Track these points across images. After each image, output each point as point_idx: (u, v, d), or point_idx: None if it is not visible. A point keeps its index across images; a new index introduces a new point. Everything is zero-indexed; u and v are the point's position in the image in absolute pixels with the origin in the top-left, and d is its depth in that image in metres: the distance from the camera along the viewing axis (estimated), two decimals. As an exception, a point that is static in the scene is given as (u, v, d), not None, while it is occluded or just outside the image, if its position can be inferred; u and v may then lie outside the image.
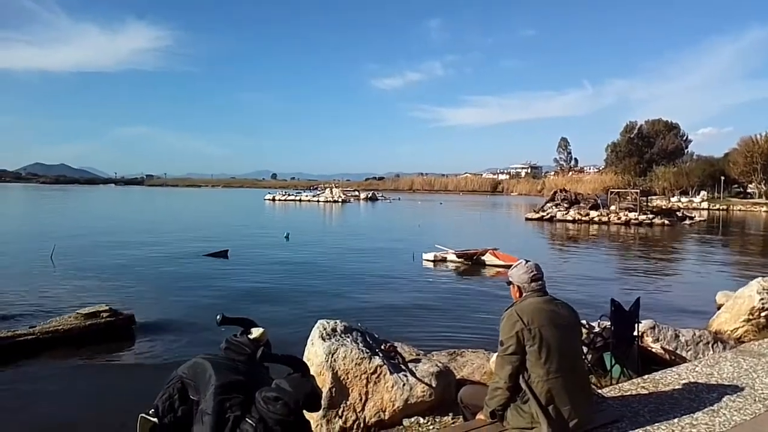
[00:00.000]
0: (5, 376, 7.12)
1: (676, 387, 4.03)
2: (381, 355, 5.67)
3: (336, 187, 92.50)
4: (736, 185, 79.37)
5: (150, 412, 2.10)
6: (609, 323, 5.61)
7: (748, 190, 77.16)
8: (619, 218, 39.46)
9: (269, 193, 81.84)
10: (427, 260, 18.15)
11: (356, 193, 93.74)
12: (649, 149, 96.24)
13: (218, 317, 2.29)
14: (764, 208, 58.59)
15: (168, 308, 10.84)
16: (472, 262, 17.97)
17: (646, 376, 4.38)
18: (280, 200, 72.70)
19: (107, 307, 9.11)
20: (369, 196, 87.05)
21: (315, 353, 5.72)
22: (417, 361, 5.98)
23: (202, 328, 9.20)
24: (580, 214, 41.34)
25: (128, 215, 42.99)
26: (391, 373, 5.41)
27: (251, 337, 2.27)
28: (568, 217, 41.29)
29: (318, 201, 71.83)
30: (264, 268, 16.27)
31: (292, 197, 76.68)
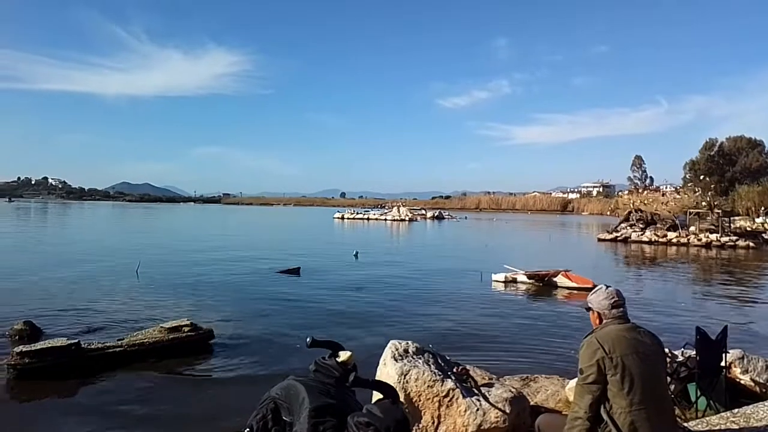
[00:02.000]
0: (94, 387, 7.54)
1: (770, 423, 3.82)
2: (453, 378, 5.65)
3: (403, 205, 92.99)
4: (826, 206, 73.19)
5: (245, 431, 2.16)
6: (694, 352, 5.37)
7: (839, 211, 70.98)
8: (699, 240, 37.46)
9: (338, 211, 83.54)
10: (497, 281, 17.89)
11: (423, 211, 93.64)
12: (730, 167, 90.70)
13: (308, 340, 2.33)
14: None
15: (244, 324, 11.22)
16: (543, 284, 17.54)
17: (735, 410, 4.17)
18: (348, 218, 73.87)
19: (188, 322, 9.48)
20: (435, 215, 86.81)
21: (387, 374, 5.76)
22: (490, 385, 5.92)
23: (276, 345, 9.51)
24: (657, 235, 39.54)
25: (206, 232, 44.98)
26: (464, 397, 5.38)
27: (339, 360, 2.30)
28: (644, 238, 39.61)
29: (385, 219, 72.42)
30: (334, 286, 16.59)
31: (360, 215, 77.74)
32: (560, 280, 17.51)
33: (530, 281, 17.64)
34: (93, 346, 8.45)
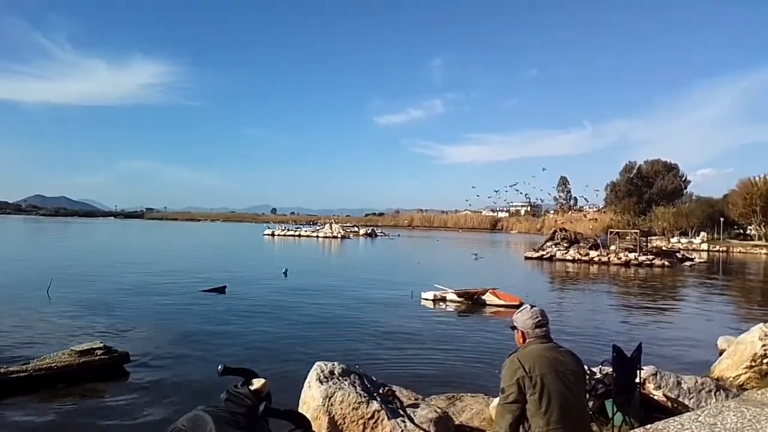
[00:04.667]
0: (-5, 415, 6.94)
1: (680, 438, 3.94)
2: (379, 399, 5.58)
3: (335, 222, 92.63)
4: (735, 227, 79.37)
5: None
6: (611, 369, 5.55)
7: (748, 232, 77.20)
8: (618, 258, 39.34)
9: (268, 227, 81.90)
10: (426, 299, 18.01)
11: (355, 228, 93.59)
12: (648, 189, 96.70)
13: (219, 368, 2.25)
14: (764, 251, 58.41)
15: (162, 346, 10.70)
16: (472, 302, 17.83)
17: (648, 426, 4.27)
18: (279, 235, 72.60)
19: (102, 344, 8.97)
20: (368, 232, 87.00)
21: (312, 396, 5.62)
22: (415, 405, 5.89)
23: (195, 369, 9.09)
24: (580, 254, 41.24)
25: (126, 249, 42.93)
26: (389, 419, 5.31)
27: (252, 388, 2.17)
28: (568, 257, 41.18)
29: (317, 236, 71.78)
30: (261, 306, 16.14)
31: (291, 232, 76.59)
32: (488, 298, 17.87)
33: (459, 299, 17.87)
34: (-7, 371, 7.78)
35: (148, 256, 34.79)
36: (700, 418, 4.53)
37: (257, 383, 2.22)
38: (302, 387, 5.79)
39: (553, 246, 44.81)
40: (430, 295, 18.14)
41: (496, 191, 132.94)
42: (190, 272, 24.40)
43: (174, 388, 8.25)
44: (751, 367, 8.09)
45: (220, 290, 18.36)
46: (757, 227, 73.17)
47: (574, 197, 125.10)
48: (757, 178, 73.44)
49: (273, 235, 72.35)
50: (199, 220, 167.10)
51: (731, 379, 8.18)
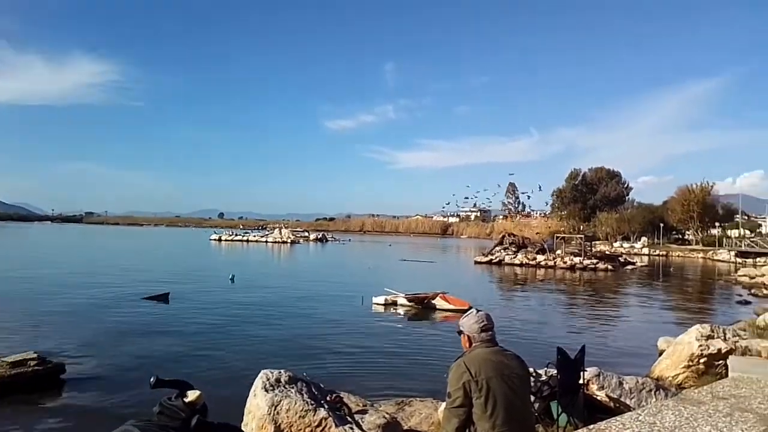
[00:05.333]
0: None
1: (621, 437, 4.02)
2: (326, 406, 5.50)
3: (285, 227, 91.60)
4: (674, 232, 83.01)
5: None
6: (556, 371, 5.64)
7: (686, 237, 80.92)
8: (564, 263, 40.46)
9: (215, 232, 79.97)
10: (377, 304, 17.99)
11: (306, 233, 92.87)
12: (592, 196, 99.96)
13: (152, 380, 2.17)
14: (701, 255, 61.35)
15: (100, 357, 10.23)
16: (423, 306, 17.91)
17: (591, 426, 4.36)
18: (226, 240, 71.06)
19: (35, 355, 8.57)
20: (319, 237, 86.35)
21: (257, 405, 5.48)
22: (364, 412, 5.83)
23: (135, 380, 8.70)
24: (528, 258, 42.22)
25: (63, 254, 41.02)
26: (337, 426, 5.24)
27: (187, 400, 2.15)
28: (516, 261, 42.07)
29: (266, 242, 70.81)
30: (206, 313, 15.69)
31: (239, 237, 75.17)
32: (438, 302, 18.00)
33: (410, 304, 17.93)
34: None
35: (87, 262, 33.34)
36: (640, 418, 4.65)
37: (192, 395, 2.19)
38: (248, 396, 5.62)
39: (502, 250, 45.70)
40: (381, 300, 18.13)
41: (468, 197, 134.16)
42: (131, 279, 23.54)
43: (109, 401, 7.88)
44: (688, 366, 8.42)
45: (163, 298, 17.76)
46: (695, 232, 76.93)
47: (522, 203, 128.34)
48: (695, 186, 77.33)
49: (220, 240, 70.81)
50: (141, 225, 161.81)
51: (670, 378, 8.49)
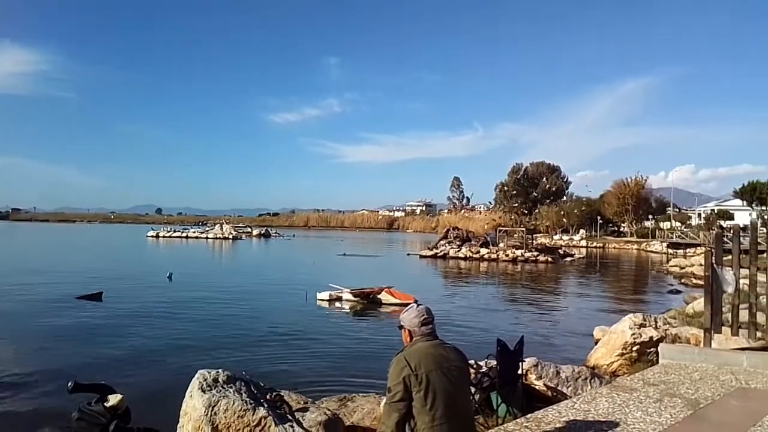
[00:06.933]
0: None
1: (557, 425, 4.12)
2: (266, 405, 5.39)
3: (226, 223, 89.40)
4: (611, 224, 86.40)
5: None
6: (495, 363, 5.72)
7: (622, 229, 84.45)
8: (507, 255, 41.35)
9: (152, 229, 77.01)
10: (321, 300, 17.81)
11: (248, 229, 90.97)
12: (534, 189, 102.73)
13: (69, 384, 2.07)
14: (635, 246, 64.25)
15: (23, 360, 9.69)
16: (368, 301, 17.89)
17: (529, 415, 4.46)
18: (164, 237, 68.71)
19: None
20: (262, 232, 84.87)
21: (193, 407, 5.31)
22: (305, 409, 5.74)
23: (59, 384, 8.23)
24: (471, 252, 42.95)
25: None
26: (276, 425, 5.15)
27: (108, 405, 2.07)
28: (460, 255, 42.70)
29: (206, 238, 68.83)
30: (142, 312, 15.09)
31: (177, 234, 72.80)
32: (384, 296, 18.05)
33: (355, 299, 17.86)
34: None
35: (13, 261, 31.51)
36: (576, 405, 4.80)
37: (113, 399, 2.12)
38: (184, 398, 5.43)
39: (447, 244, 46.33)
40: (325, 295, 17.97)
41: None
42: (63, 278, 22.48)
43: (27, 407, 7.41)
44: (622, 354, 8.76)
45: (97, 297, 17.03)
46: (629, 224, 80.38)
47: (467, 197, 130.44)
48: (629, 179, 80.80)
49: (158, 236, 68.30)
50: (73, 222, 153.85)
51: (605, 366, 8.82)
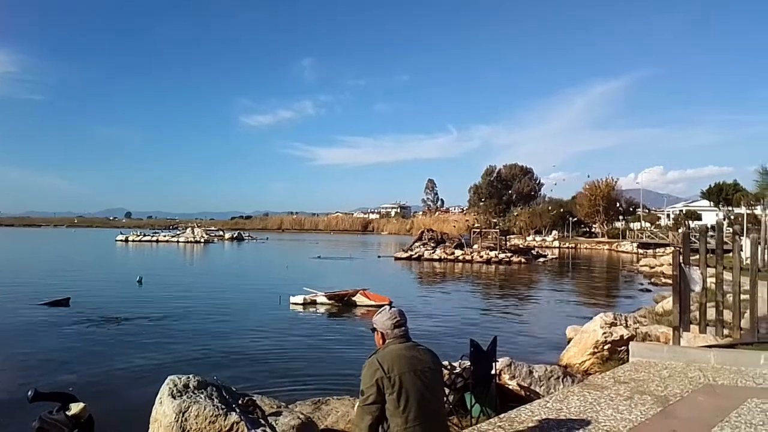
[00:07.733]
0: None
1: (530, 424, 4.15)
2: (238, 410, 5.30)
3: (198, 226, 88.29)
4: (582, 225, 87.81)
5: None
6: (469, 363, 5.73)
7: (593, 230, 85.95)
8: (481, 257, 41.71)
9: (121, 233, 75.51)
10: (295, 303, 17.68)
11: (221, 232, 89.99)
12: (507, 191, 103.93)
13: (29, 393, 2.05)
14: (606, 246, 65.49)
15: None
16: (343, 304, 17.83)
17: (502, 415, 4.48)
18: (133, 241, 67.38)
19: None
20: (235, 236, 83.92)
21: (163, 413, 5.23)
22: (278, 413, 5.67)
23: (19, 394, 7.98)
24: (446, 253, 43.20)
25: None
26: (249, 430, 5.06)
27: (69, 413, 2.04)
28: (435, 256, 42.94)
29: (178, 242, 67.88)
30: (110, 317, 14.73)
31: (147, 238, 71.49)
32: (359, 299, 18.01)
33: (330, 302, 17.79)
34: None
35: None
36: (548, 404, 4.84)
37: (75, 408, 2.07)
38: (153, 405, 5.33)
39: (421, 246, 46.53)
40: (299, 299, 17.83)
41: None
42: (28, 283, 21.88)
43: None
44: (594, 353, 8.90)
45: (63, 302, 16.62)
46: (600, 225, 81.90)
47: (441, 199, 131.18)
48: (600, 181, 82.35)
49: (127, 241, 67.04)
50: (40, 226, 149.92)
51: (577, 365, 8.94)
